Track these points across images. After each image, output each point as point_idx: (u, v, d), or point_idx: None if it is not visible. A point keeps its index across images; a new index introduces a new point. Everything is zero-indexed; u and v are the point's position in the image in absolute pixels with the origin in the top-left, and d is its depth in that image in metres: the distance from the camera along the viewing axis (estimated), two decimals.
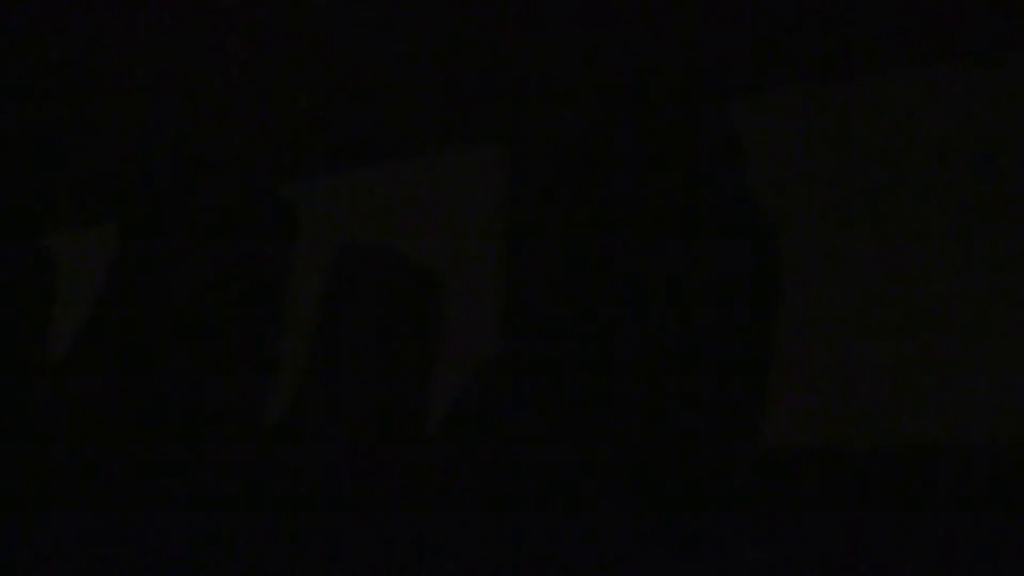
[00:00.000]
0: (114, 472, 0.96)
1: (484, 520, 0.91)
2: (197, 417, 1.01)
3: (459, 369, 1.16)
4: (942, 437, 1.00)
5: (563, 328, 1.09)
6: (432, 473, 1.00)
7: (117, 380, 1.02)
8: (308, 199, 1.63)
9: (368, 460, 1.04)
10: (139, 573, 0.89)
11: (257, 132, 1.94)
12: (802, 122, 1.25)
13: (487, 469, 0.99)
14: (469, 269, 1.58)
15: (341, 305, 1.20)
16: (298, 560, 0.91)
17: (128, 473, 0.97)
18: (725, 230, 1.10)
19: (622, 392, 1.00)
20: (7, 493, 0.92)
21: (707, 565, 0.85)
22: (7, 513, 0.89)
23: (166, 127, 1.89)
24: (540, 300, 1.16)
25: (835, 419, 1.14)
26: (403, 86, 1.81)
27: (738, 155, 1.15)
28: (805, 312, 1.10)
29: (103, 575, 0.88)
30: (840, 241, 1.16)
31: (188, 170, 1.22)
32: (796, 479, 0.96)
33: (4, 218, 1.11)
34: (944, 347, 1.18)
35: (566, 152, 1.40)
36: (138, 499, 0.94)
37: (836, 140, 1.26)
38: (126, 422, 1.00)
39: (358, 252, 1.27)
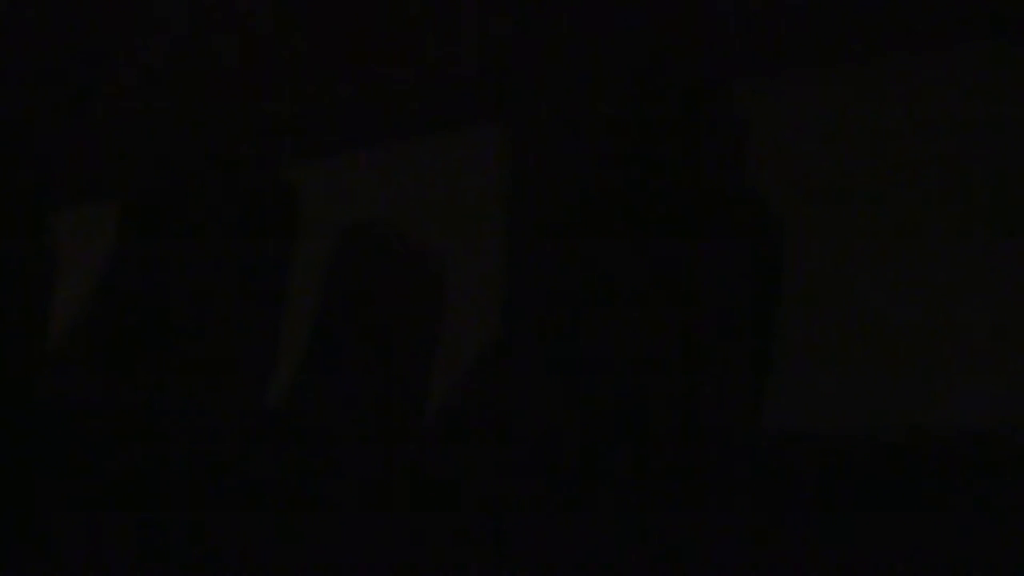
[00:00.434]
0: (113, 469, 0.97)
1: (483, 520, 0.91)
2: (196, 411, 1.01)
3: (458, 359, 1.16)
4: (941, 436, 1.00)
5: (562, 321, 1.09)
6: (431, 471, 1.00)
7: (116, 373, 1.02)
8: (309, 181, 1.63)
9: (368, 456, 1.05)
10: (138, 572, 0.89)
11: (256, 113, 1.94)
12: (804, 115, 1.25)
13: (486, 467, 0.99)
14: (469, 252, 1.58)
15: (341, 287, 1.21)
16: (298, 559, 0.91)
17: (127, 471, 0.97)
18: (726, 223, 1.10)
19: (621, 387, 1.01)
20: (7, 491, 0.92)
21: (707, 565, 0.86)
22: (7, 513, 0.90)
23: (163, 108, 1.88)
24: (540, 291, 1.17)
25: (835, 416, 1.15)
26: (402, 65, 1.81)
27: (741, 144, 1.14)
28: (806, 310, 1.10)
29: (103, 574, 0.89)
30: (841, 237, 1.16)
31: (186, 152, 1.22)
32: (796, 478, 0.97)
33: (3, 207, 1.11)
34: (945, 345, 1.18)
35: (566, 137, 1.40)
36: (137, 498, 0.94)
37: (838, 132, 1.26)
38: (125, 417, 1.00)
39: (359, 234, 1.27)
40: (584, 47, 1.46)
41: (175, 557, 0.91)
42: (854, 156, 1.25)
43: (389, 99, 1.74)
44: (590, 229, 1.09)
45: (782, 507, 0.91)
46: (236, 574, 0.91)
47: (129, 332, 1.05)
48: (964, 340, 1.16)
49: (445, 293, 1.24)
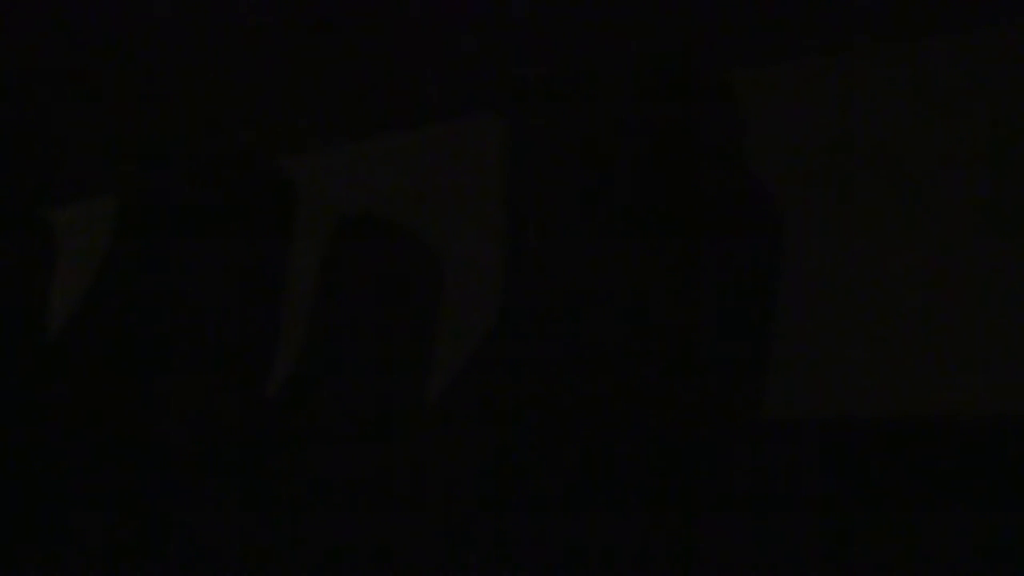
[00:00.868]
0: (112, 466, 0.96)
1: (483, 519, 0.91)
2: (195, 406, 1.01)
3: (457, 354, 1.15)
4: (940, 432, 1.00)
5: (561, 318, 1.08)
6: (430, 468, 1.00)
7: (114, 369, 1.02)
8: (307, 173, 1.62)
9: (366, 452, 1.04)
10: (138, 571, 0.89)
11: (253, 110, 1.92)
12: (805, 113, 1.24)
13: (485, 464, 0.98)
14: (467, 242, 1.57)
15: (340, 278, 1.20)
16: (298, 557, 0.91)
17: (126, 468, 0.96)
18: (725, 221, 1.09)
19: (620, 385, 1.00)
20: (7, 489, 0.92)
21: (707, 563, 0.85)
22: (7, 512, 0.89)
23: (160, 105, 1.87)
24: (539, 287, 1.16)
25: (835, 412, 1.14)
26: (401, 60, 1.79)
27: (741, 141, 1.14)
28: (806, 308, 1.09)
29: (103, 573, 0.88)
30: (841, 234, 1.15)
31: (183, 149, 1.21)
32: (795, 473, 0.96)
33: (5, 199, 1.11)
34: (946, 341, 1.18)
35: (566, 134, 1.39)
36: (137, 497, 0.94)
37: (839, 128, 1.25)
38: (125, 415, 0.99)
39: (357, 224, 1.26)
40: (584, 45, 1.44)
41: (175, 556, 0.90)
42: (855, 154, 1.24)
43: (387, 93, 1.72)
44: (590, 227, 1.08)
45: (782, 504, 0.91)
46: (236, 572, 0.90)
47: (127, 328, 1.05)
48: (964, 339, 1.15)
49: (443, 287, 1.23)
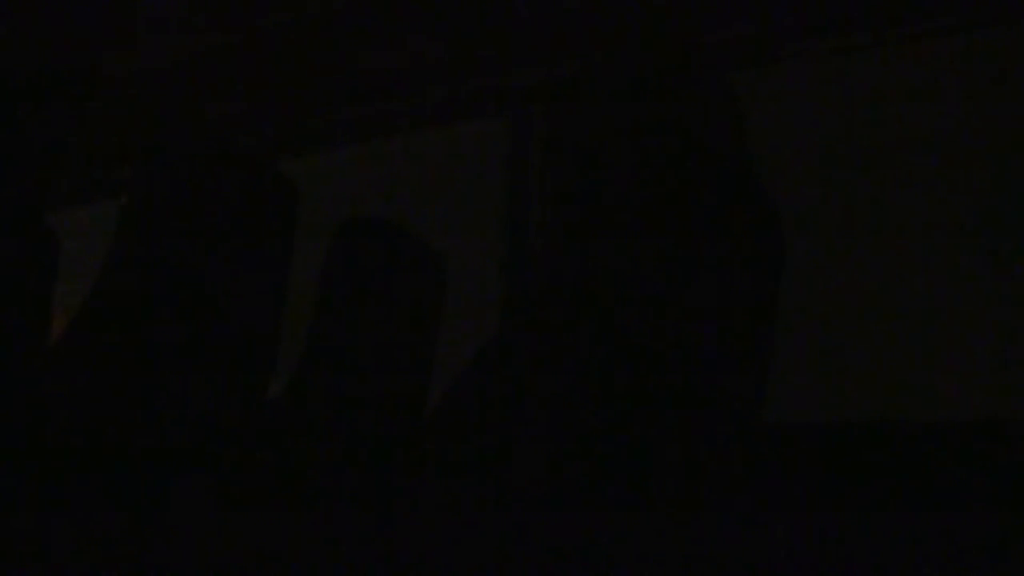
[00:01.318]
0: (113, 467, 0.96)
1: (484, 519, 0.91)
2: (196, 406, 1.01)
3: (457, 355, 1.15)
4: (940, 430, 1.00)
5: (562, 319, 1.09)
6: (431, 468, 1.00)
7: (116, 369, 1.02)
8: (310, 175, 1.62)
9: (368, 452, 1.04)
10: (138, 571, 0.89)
11: (255, 111, 1.92)
12: (806, 111, 1.24)
13: (485, 464, 0.98)
14: (469, 243, 1.57)
15: (341, 278, 1.20)
16: (298, 555, 0.91)
17: (128, 468, 0.96)
18: (727, 221, 1.09)
19: (622, 385, 1.00)
20: (7, 489, 0.92)
21: (708, 563, 0.85)
22: (7, 512, 0.89)
23: (162, 107, 1.87)
24: (540, 288, 1.16)
25: (836, 411, 1.14)
26: (402, 62, 1.79)
27: (742, 141, 1.14)
28: (806, 307, 1.09)
29: (103, 573, 0.88)
30: (842, 234, 1.16)
31: (185, 151, 1.21)
32: (796, 473, 0.96)
33: (8, 200, 1.11)
34: (946, 342, 1.18)
35: (567, 137, 1.39)
36: (137, 495, 0.94)
37: (840, 127, 1.25)
38: (125, 413, 1.00)
39: (359, 229, 1.26)
40: (586, 47, 1.44)
41: (175, 555, 0.91)
42: (856, 154, 1.24)
43: (390, 96, 1.72)
44: (591, 228, 1.08)
45: (782, 503, 0.91)
46: (236, 571, 0.90)
47: (129, 330, 1.05)
48: (964, 338, 1.15)
49: (446, 288, 1.24)
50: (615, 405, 0.98)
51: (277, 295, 1.14)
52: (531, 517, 0.91)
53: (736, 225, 1.07)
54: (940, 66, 1.26)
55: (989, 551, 0.84)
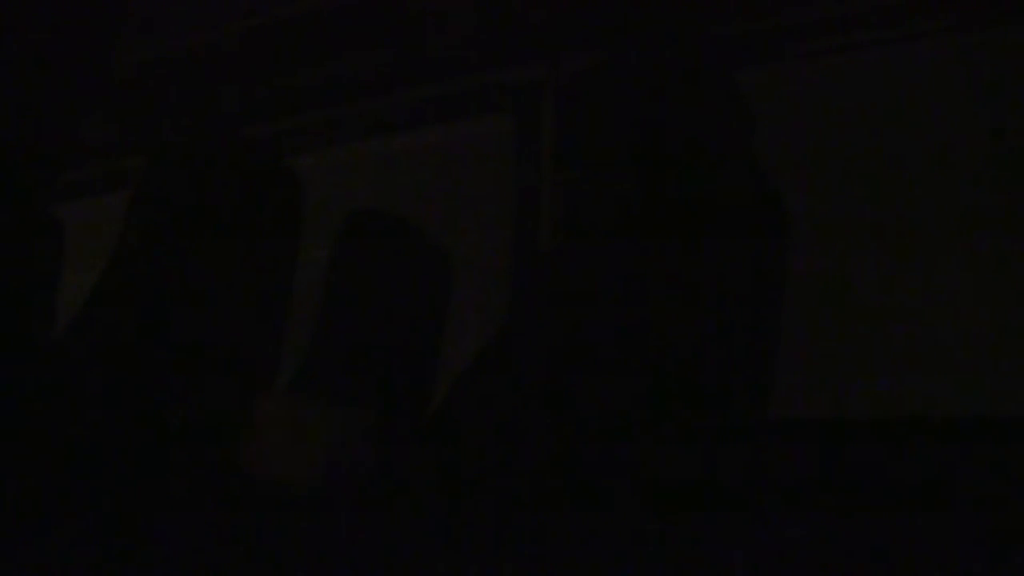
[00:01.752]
0: (112, 464, 0.97)
1: (484, 519, 0.91)
2: (201, 402, 1.01)
3: (463, 350, 1.16)
4: (940, 430, 1.00)
5: (564, 319, 1.09)
6: (432, 468, 1.00)
7: (122, 363, 1.02)
8: (313, 171, 1.62)
9: (370, 452, 1.04)
10: (138, 571, 0.89)
11: (261, 107, 1.92)
12: (806, 111, 1.24)
13: (486, 465, 0.99)
14: (474, 242, 1.57)
15: (346, 276, 1.20)
16: (299, 556, 0.91)
17: (127, 467, 0.97)
18: (730, 222, 1.09)
19: (623, 386, 1.00)
20: (7, 490, 0.92)
21: (708, 563, 0.86)
22: (7, 511, 0.90)
23: (170, 103, 1.87)
24: (543, 288, 1.16)
25: (836, 410, 1.14)
26: (408, 59, 1.79)
27: (746, 141, 1.14)
28: (807, 307, 1.10)
29: (103, 573, 0.89)
30: (843, 235, 1.16)
31: (193, 146, 1.21)
32: (797, 473, 0.97)
33: (16, 191, 1.11)
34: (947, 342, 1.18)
35: (571, 136, 1.39)
36: (137, 495, 0.94)
37: (841, 127, 1.25)
38: (130, 408, 1.00)
39: (364, 223, 1.26)
40: (590, 46, 1.44)
41: (175, 555, 0.91)
42: (857, 155, 1.24)
43: (395, 94, 1.72)
44: (594, 229, 1.09)
45: (782, 504, 0.91)
46: (236, 572, 0.91)
47: (136, 324, 1.05)
48: (964, 338, 1.15)
49: (451, 286, 1.24)
50: (619, 404, 0.98)
51: (282, 290, 1.14)
52: (532, 516, 0.91)
53: (741, 223, 1.08)
54: (943, 65, 1.27)
55: (989, 551, 0.85)
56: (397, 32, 1.94)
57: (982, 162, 1.18)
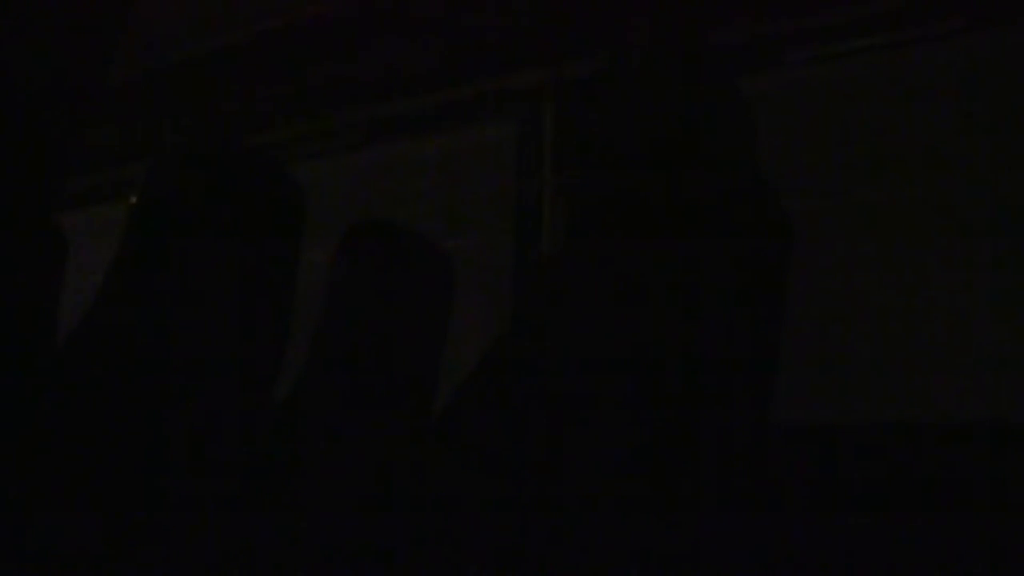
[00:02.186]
0: (116, 467, 0.97)
1: (483, 519, 0.91)
2: (203, 409, 1.01)
3: (466, 355, 1.16)
4: (940, 432, 1.00)
5: (565, 319, 1.09)
6: (433, 470, 1.00)
7: (123, 371, 1.02)
8: (316, 177, 1.63)
9: (371, 454, 1.05)
10: (138, 571, 0.89)
11: (262, 114, 1.92)
12: (807, 113, 1.24)
13: (487, 466, 0.99)
14: (476, 246, 1.57)
15: (349, 281, 1.20)
16: (300, 557, 0.91)
17: (128, 467, 0.97)
18: (730, 224, 1.09)
19: (624, 387, 1.01)
20: (7, 491, 0.92)
21: (708, 564, 0.86)
22: (7, 511, 0.90)
23: (170, 110, 1.87)
24: (545, 290, 1.16)
25: (836, 413, 1.14)
26: (410, 66, 1.80)
27: (746, 144, 1.14)
28: (807, 310, 1.10)
29: (103, 573, 0.89)
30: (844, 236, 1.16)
31: (194, 154, 1.21)
32: (797, 475, 0.97)
33: (17, 201, 1.11)
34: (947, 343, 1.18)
35: (573, 140, 1.39)
36: (138, 498, 0.94)
37: (841, 129, 1.26)
38: (133, 414, 1.00)
39: (367, 228, 1.26)
40: (591, 52, 1.44)
41: (175, 556, 0.91)
42: (857, 156, 1.25)
43: (398, 97, 1.72)
44: (596, 233, 1.09)
45: (783, 505, 0.91)
46: (237, 573, 0.91)
47: (137, 332, 1.06)
48: (964, 338, 1.16)
49: (453, 291, 1.24)
50: (623, 407, 0.98)
51: (284, 297, 1.14)
52: (535, 518, 0.92)
53: (743, 228, 1.08)
54: (941, 69, 1.27)
55: (989, 551, 0.85)
56: (398, 39, 1.95)
57: (982, 163, 1.18)
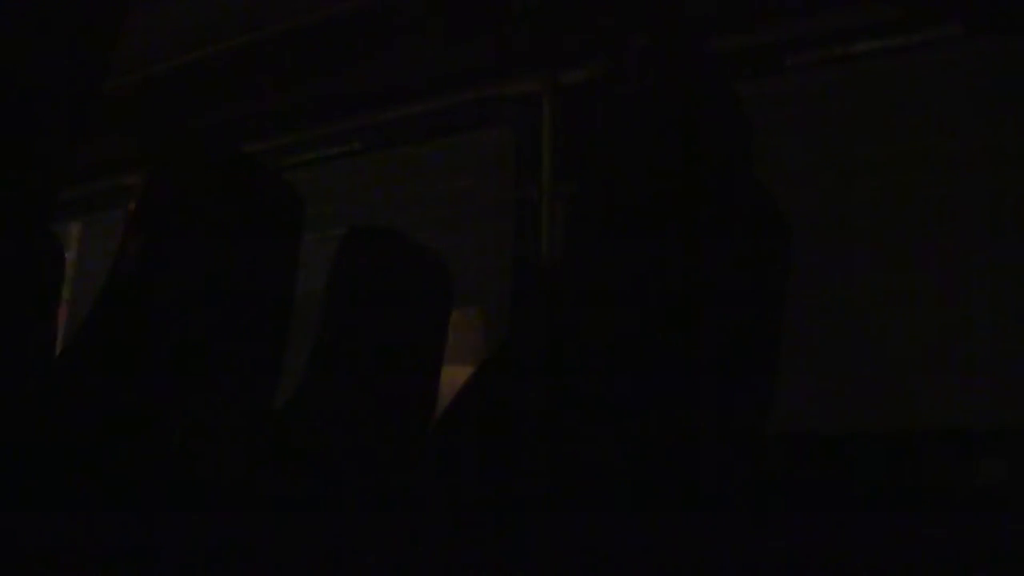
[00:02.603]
0: (116, 468, 0.97)
1: (483, 520, 0.91)
2: (202, 412, 1.01)
3: (462, 360, 1.16)
4: (940, 434, 1.00)
5: (564, 321, 1.09)
6: (433, 471, 1.00)
7: (123, 374, 1.02)
8: (315, 181, 1.63)
9: (372, 457, 1.05)
10: (137, 572, 0.89)
11: (261, 117, 1.93)
12: (807, 114, 1.24)
13: (487, 466, 0.99)
14: (474, 253, 1.57)
15: (348, 285, 1.20)
16: (300, 559, 0.91)
17: (131, 470, 0.97)
18: (730, 225, 1.09)
19: (623, 388, 1.01)
20: (7, 492, 0.92)
21: (708, 565, 0.86)
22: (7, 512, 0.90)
23: (169, 114, 1.87)
24: (543, 292, 1.16)
25: (836, 414, 1.14)
26: (409, 73, 1.80)
27: (747, 146, 1.14)
28: (807, 311, 1.10)
29: (103, 573, 0.89)
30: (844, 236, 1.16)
31: (192, 157, 1.21)
32: (796, 476, 0.97)
33: (15, 210, 1.11)
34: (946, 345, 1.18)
35: (572, 142, 1.39)
36: (135, 497, 0.94)
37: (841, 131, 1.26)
38: (132, 418, 1.00)
39: (364, 237, 1.27)
40: (588, 58, 1.44)
41: (175, 557, 0.91)
42: (856, 157, 1.25)
43: (396, 104, 1.72)
44: (598, 234, 1.09)
45: (782, 506, 0.91)
46: (237, 573, 0.91)
47: (136, 337, 1.06)
48: (964, 340, 1.16)
49: (452, 294, 1.24)
50: (623, 407, 0.98)
51: (283, 301, 1.14)
52: (535, 519, 0.91)
53: (742, 232, 1.08)
54: (941, 72, 1.27)
55: (989, 551, 0.84)
56: (397, 46, 1.95)
57: (982, 164, 1.18)
